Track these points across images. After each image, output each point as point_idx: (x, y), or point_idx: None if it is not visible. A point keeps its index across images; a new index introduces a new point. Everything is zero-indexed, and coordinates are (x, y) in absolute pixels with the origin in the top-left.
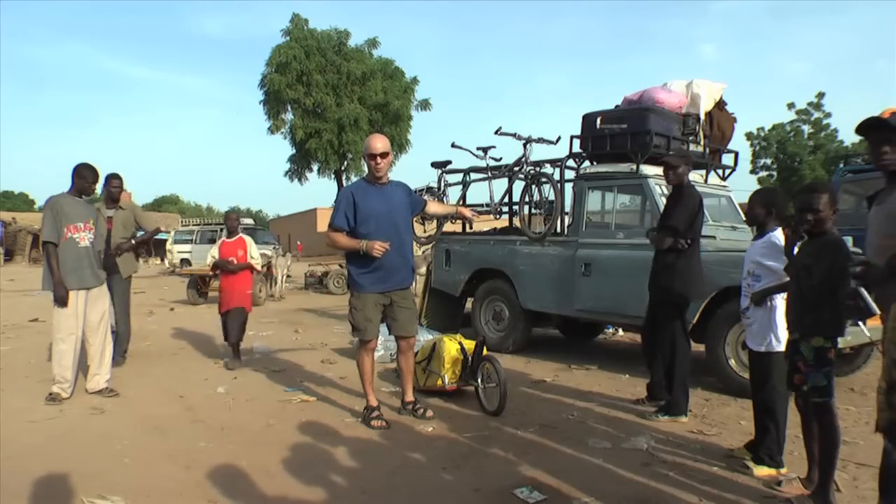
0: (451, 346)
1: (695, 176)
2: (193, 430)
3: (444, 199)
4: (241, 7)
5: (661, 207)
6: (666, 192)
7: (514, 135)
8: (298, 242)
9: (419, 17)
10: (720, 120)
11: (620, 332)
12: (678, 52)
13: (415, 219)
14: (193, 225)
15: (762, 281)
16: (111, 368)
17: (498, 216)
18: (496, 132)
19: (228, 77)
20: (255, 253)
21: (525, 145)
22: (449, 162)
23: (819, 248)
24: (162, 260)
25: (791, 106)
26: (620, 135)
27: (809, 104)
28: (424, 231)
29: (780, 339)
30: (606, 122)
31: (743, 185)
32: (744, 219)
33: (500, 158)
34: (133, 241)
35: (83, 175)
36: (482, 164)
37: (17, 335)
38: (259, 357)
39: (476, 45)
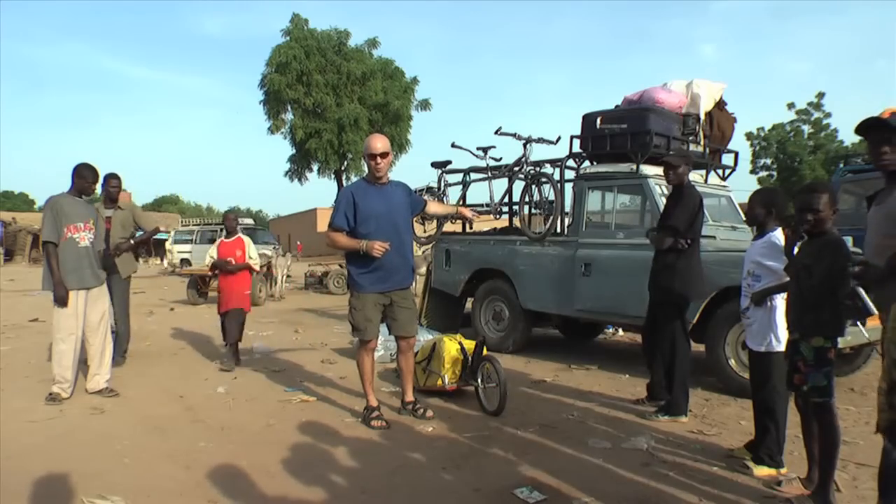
0: (451, 346)
1: (695, 176)
2: (193, 430)
3: (444, 199)
4: (241, 7)
5: (661, 207)
6: (666, 192)
7: (514, 135)
8: (298, 242)
9: (419, 17)
10: (720, 120)
11: (620, 332)
12: (678, 52)
13: (415, 219)
14: (193, 225)
15: (762, 281)
16: (111, 368)
17: (498, 216)
18: (496, 132)
19: (228, 77)
20: (253, 253)
21: (525, 145)
22: (449, 162)
23: (819, 248)
24: (161, 260)
25: (791, 106)
26: (620, 135)
27: (809, 104)
28: (424, 231)
29: (780, 339)
30: (606, 122)
31: (743, 185)
32: (744, 219)
33: (500, 158)
34: (132, 241)
35: (83, 175)
36: (482, 164)
37: (17, 335)
38: (259, 357)
39: (476, 45)
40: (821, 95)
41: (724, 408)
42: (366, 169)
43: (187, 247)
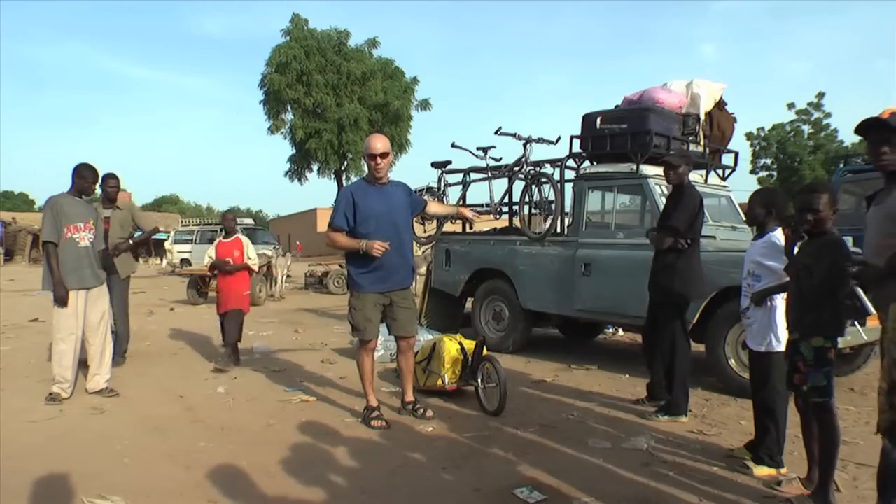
0: (451, 346)
1: (695, 176)
2: (193, 430)
3: (444, 199)
4: (241, 7)
5: (661, 207)
6: (666, 192)
7: (514, 135)
8: (297, 242)
9: (419, 17)
10: (720, 120)
11: (620, 332)
12: (678, 52)
13: (415, 219)
14: (193, 225)
15: (762, 281)
16: (111, 368)
17: (498, 216)
18: (496, 132)
19: (228, 77)
20: (251, 254)
21: (525, 145)
22: (449, 162)
23: (819, 248)
24: (161, 259)
25: (791, 106)
26: (620, 135)
27: (809, 104)
28: (424, 231)
29: (780, 339)
30: (606, 122)
31: (743, 185)
32: (744, 219)
33: (500, 158)
34: (131, 242)
35: (83, 175)
36: (482, 164)
37: (17, 335)
38: (259, 357)
39: (476, 45)
40: (821, 95)
41: (724, 408)
42: (366, 169)
43: (187, 247)
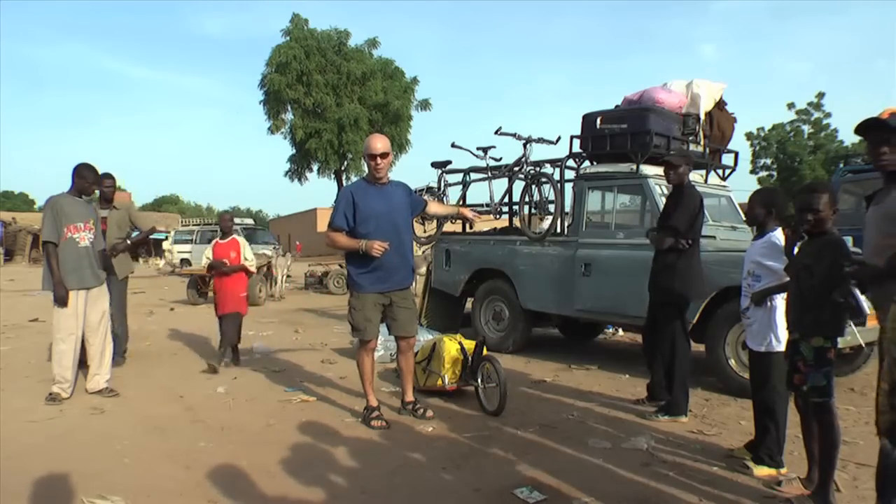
0: (451, 346)
1: (695, 176)
2: (193, 430)
3: (444, 199)
4: (241, 7)
5: (661, 207)
6: (666, 192)
7: (514, 135)
8: (297, 242)
9: (419, 17)
10: (720, 120)
11: (620, 332)
12: (678, 52)
13: (415, 219)
14: (193, 225)
15: (762, 281)
16: (111, 368)
17: (498, 216)
18: (496, 132)
19: (228, 77)
20: (248, 254)
21: (525, 145)
22: (449, 162)
23: (819, 248)
24: (160, 259)
25: (791, 106)
26: (620, 135)
27: (809, 104)
28: (424, 231)
29: (780, 339)
30: (606, 122)
31: (743, 185)
32: (744, 219)
33: (500, 158)
34: (128, 242)
35: (83, 175)
36: (482, 164)
37: (17, 335)
38: (259, 357)
39: (476, 45)
40: (821, 95)
41: (724, 408)
42: (366, 169)
43: (187, 247)
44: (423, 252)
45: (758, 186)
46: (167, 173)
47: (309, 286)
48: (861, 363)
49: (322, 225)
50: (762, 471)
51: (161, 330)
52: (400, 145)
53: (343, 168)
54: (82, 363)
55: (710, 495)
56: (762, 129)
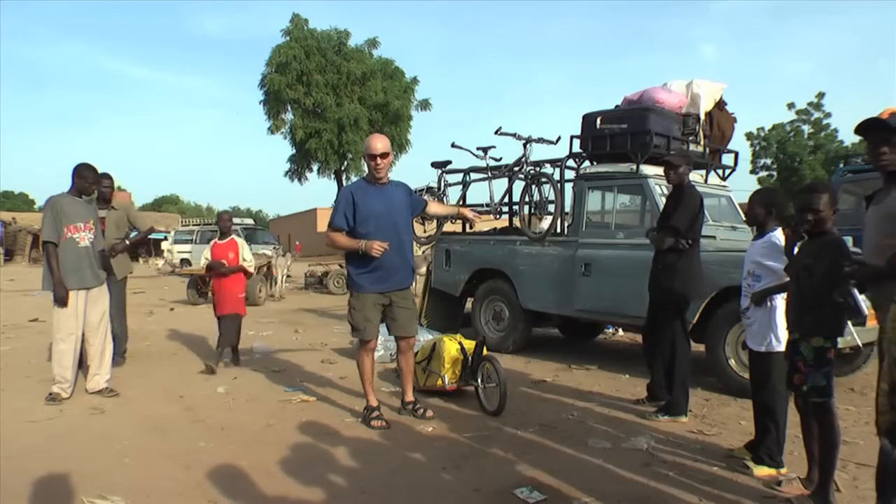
0: (451, 346)
1: (695, 176)
2: (193, 430)
3: (444, 199)
4: (241, 7)
5: (661, 207)
6: (666, 192)
7: (514, 135)
8: (297, 242)
9: (419, 17)
10: (720, 120)
11: (620, 332)
12: (678, 52)
13: (415, 219)
14: (193, 225)
15: (762, 281)
16: (111, 368)
17: (498, 216)
18: (496, 132)
19: (228, 77)
20: (247, 255)
21: (525, 145)
22: (449, 162)
23: (819, 248)
24: (160, 259)
25: (791, 106)
26: (620, 135)
27: (809, 104)
28: (424, 231)
29: (780, 339)
30: (606, 122)
31: (743, 185)
32: (744, 219)
33: (500, 158)
34: (127, 242)
35: (83, 175)
36: (482, 164)
37: (17, 335)
38: (259, 357)
39: (476, 45)
40: (821, 95)
41: (724, 408)
42: (366, 169)
43: (187, 247)
44: (423, 252)
45: (758, 186)
46: (167, 173)
47: (309, 286)
48: (861, 363)
49: (322, 225)
50: (762, 471)
51: (161, 330)
52: (400, 145)
53: (343, 168)
54: (82, 363)
55: (710, 495)
56: (762, 129)
